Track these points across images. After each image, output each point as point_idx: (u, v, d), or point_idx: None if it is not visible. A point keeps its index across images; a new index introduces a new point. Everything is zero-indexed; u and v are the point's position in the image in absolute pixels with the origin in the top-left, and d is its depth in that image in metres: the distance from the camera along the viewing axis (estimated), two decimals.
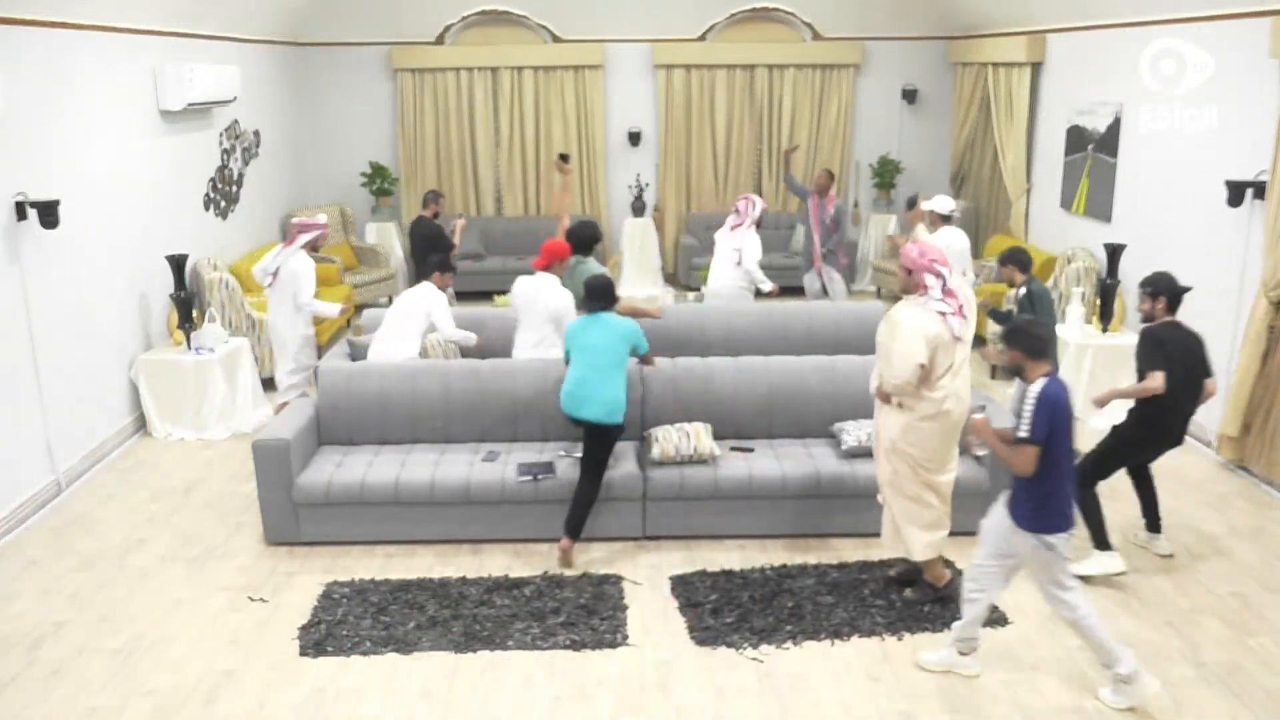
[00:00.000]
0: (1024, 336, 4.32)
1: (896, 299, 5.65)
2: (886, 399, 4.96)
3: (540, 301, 6.50)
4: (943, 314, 4.80)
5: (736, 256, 8.34)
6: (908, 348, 4.76)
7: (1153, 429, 5.39)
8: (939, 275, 4.86)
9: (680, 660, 4.78)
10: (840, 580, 5.44)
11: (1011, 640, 4.91)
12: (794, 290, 9.95)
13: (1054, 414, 4.13)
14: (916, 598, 5.22)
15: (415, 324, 6.76)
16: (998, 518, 4.44)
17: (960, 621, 4.61)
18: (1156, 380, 5.16)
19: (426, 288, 6.89)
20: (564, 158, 8.88)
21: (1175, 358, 5.21)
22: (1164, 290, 5.36)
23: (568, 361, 5.72)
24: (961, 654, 4.65)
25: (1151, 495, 5.75)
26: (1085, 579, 5.32)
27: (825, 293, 9.60)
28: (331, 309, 7.55)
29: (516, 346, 6.70)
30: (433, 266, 7.02)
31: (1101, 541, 5.46)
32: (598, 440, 5.57)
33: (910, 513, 5.06)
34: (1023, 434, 4.16)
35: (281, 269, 7.27)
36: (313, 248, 7.49)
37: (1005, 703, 4.44)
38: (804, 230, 9.79)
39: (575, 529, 5.61)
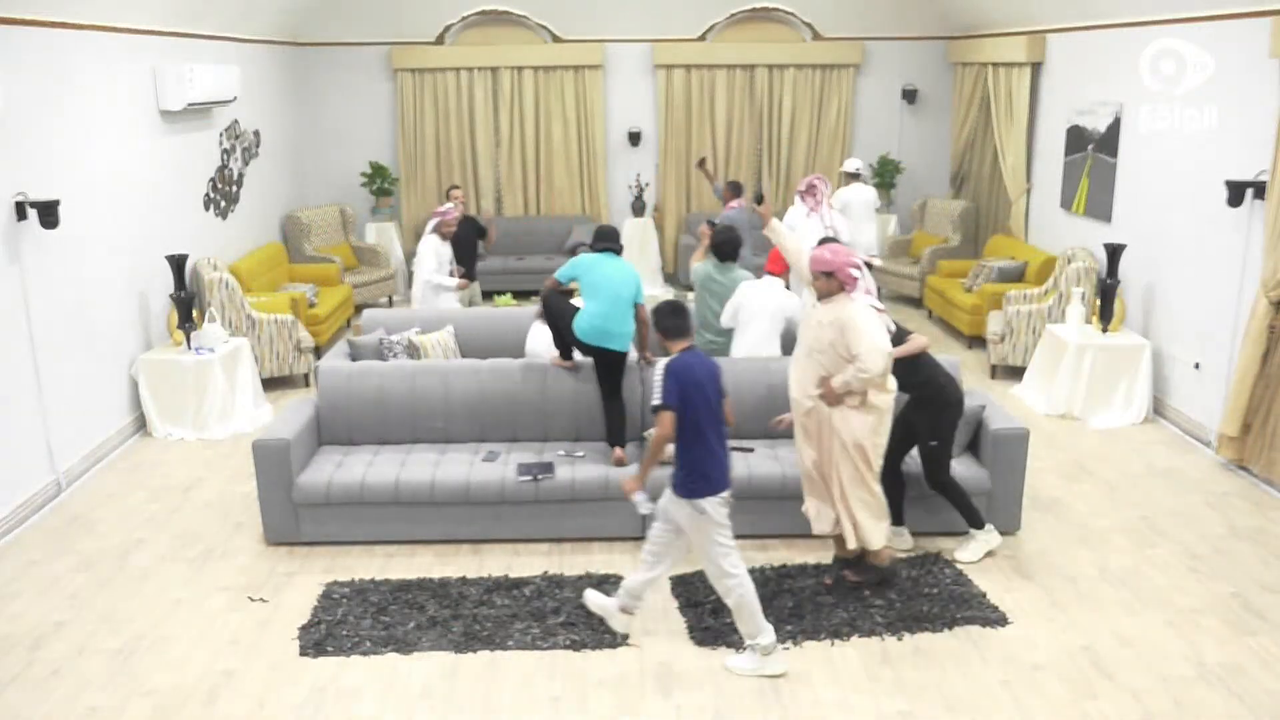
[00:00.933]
0: (661, 317, 4.68)
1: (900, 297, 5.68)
2: (838, 400, 5.01)
3: (772, 304, 6.71)
4: (876, 309, 5.02)
5: (829, 235, 8.58)
6: (876, 340, 4.88)
7: (942, 385, 5.51)
8: (859, 266, 5.00)
9: (680, 660, 4.78)
10: (840, 580, 5.44)
11: (1011, 640, 4.91)
12: None
13: (682, 381, 4.44)
14: (860, 579, 5.35)
15: None
16: (667, 493, 4.66)
17: (635, 577, 4.80)
18: (921, 338, 5.46)
19: None
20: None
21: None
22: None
23: (564, 288, 6.33)
24: (623, 609, 4.83)
25: (901, 490, 5.77)
26: (976, 560, 5.64)
27: None
28: (448, 282, 8.24)
29: (736, 348, 6.79)
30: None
31: (975, 521, 5.66)
32: (616, 366, 6.09)
33: (870, 506, 5.17)
34: (655, 401, 4.48)
35: None
36: (441, 234, 8.23)
37: (1005, 703, 4.45)
38: None
39: (621, 439, 6.09)
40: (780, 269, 7.15)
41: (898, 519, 5.77)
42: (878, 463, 5.14)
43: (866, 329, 4.88)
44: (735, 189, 9.57)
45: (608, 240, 6.31)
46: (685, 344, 4.62)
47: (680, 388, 4.43)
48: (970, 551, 5.69)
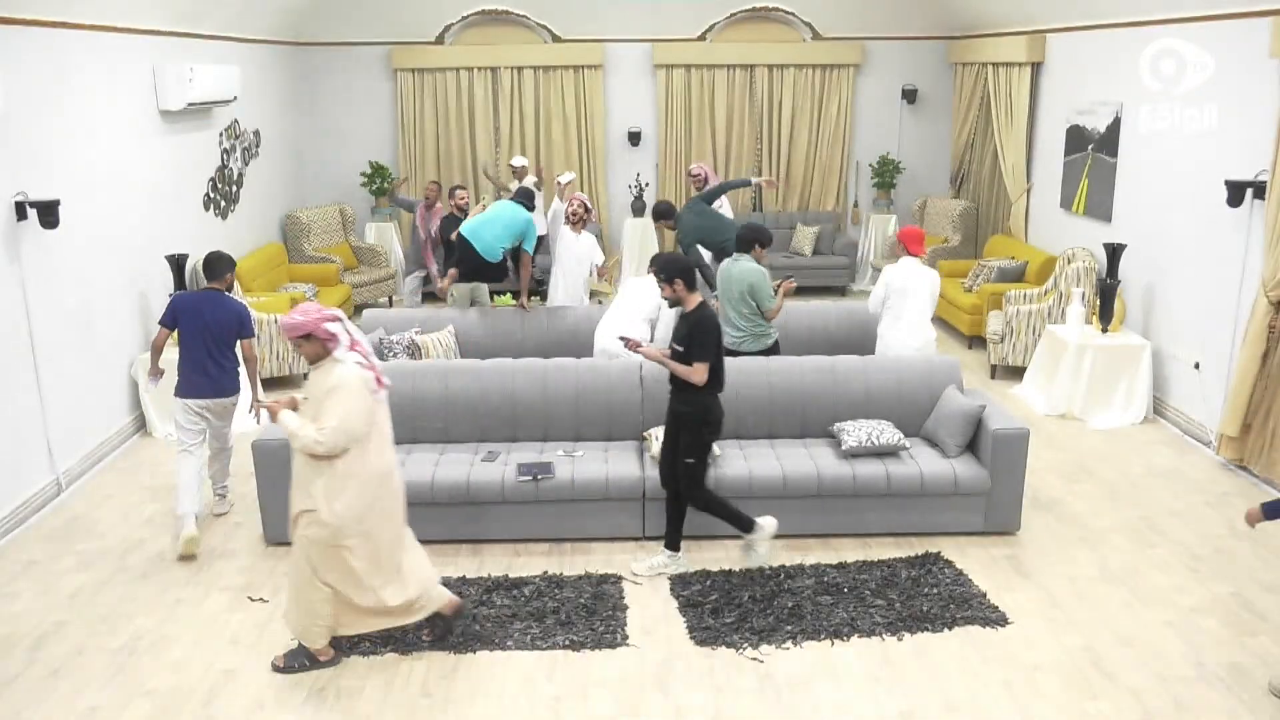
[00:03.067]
0: (205, 259, 6.08)
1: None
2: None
3: (926, 287, 6.79)
4: (361, 364, 4.50)
5: None
6: (352, 422, 4.39)
7: (709, 406, 5.35)
8: (337, 319, 4.49)
9: (680, 660, 4.78)
10: (840, 580, 5.44)
11: (1011, 640, 4.91)
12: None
13: (177, 309, 5.96)
14: (290, 664, 4.75)
15: (640, 313, 6.93)
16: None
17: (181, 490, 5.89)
18: (697, 373, 5.19)
19: (652, 281, 7.01)
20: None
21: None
22: (676, 273, 5.27)
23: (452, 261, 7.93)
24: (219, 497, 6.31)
25: (682, 510, 5.58)
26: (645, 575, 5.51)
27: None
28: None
29: (891, 335, 6.86)
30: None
31: (745, 525, 5.45)
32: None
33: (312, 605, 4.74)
34: (160, 322, 6.05)
35: None
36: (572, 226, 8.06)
37: (1005, 703, 4.45)
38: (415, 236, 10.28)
39: None
40: (920, 250, 6.95)
41: (674, 544, 5.59)
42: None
43: (349, 405, 4.37)
44: (439, 189, 10.12)
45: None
46: (216, 286, 6.05)
47: (174, 313, 5.95)
48: (642, 565, 5.55)
